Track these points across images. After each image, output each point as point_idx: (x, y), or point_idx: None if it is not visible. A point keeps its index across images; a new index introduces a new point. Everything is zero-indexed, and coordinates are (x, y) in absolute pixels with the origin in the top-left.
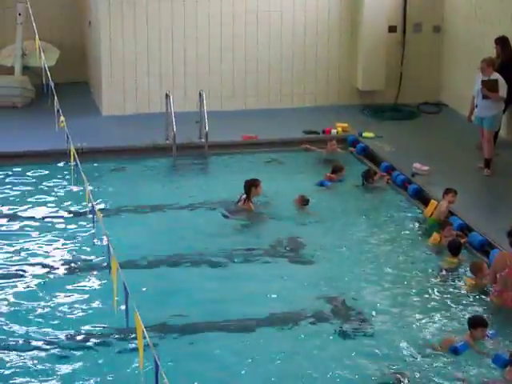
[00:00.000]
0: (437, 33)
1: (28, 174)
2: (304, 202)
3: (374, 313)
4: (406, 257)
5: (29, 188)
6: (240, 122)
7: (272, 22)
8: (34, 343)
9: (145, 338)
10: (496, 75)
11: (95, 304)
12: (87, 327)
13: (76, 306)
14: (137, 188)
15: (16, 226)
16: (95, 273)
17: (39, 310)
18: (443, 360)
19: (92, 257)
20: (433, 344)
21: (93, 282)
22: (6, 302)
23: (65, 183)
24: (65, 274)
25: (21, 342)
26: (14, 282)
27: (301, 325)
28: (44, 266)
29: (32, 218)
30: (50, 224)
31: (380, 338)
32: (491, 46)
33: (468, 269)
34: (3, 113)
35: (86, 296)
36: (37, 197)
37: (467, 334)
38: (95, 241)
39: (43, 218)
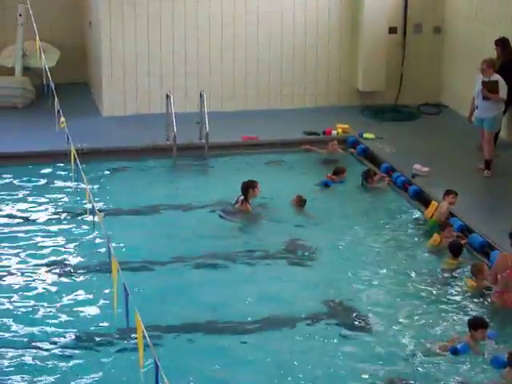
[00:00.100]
0: (437, 34)
1: (28, 174)
2: (301, 202)
3: (373, 314)
4: (406, 258)
5: (29, 188)
6: (240, 123)
7: (272, 22)
8: (35, 343)
9: (145, 337)
10: (496, 76)
11: (95, 304)
12: (87, 327)
13: (76, 306)
14: (137, 188)
15: (16, 226)
16: (95, 273)
17: (40, 310)
18: (443, 361)
19: (92, 257)
20: (433, 345)
21: (93, 283)
22: (6, 302)
23: (65, 184)
24: (65, 275)
25: (22, 341)
26: (13, 282)
27: (300, 326)
28: (44, 266)
29: (32, 219)
30: (50, 224)
31: (380, 338)
32: (491, 47)
33: (468, 270)
34: (4, 113)
35: (86, 296)
36: (37, 197)
37: (467, 335)
38: (95, 241)
39: (43, 218)
